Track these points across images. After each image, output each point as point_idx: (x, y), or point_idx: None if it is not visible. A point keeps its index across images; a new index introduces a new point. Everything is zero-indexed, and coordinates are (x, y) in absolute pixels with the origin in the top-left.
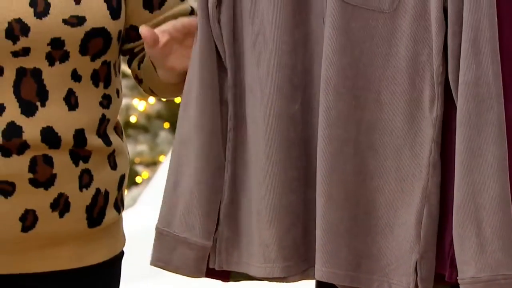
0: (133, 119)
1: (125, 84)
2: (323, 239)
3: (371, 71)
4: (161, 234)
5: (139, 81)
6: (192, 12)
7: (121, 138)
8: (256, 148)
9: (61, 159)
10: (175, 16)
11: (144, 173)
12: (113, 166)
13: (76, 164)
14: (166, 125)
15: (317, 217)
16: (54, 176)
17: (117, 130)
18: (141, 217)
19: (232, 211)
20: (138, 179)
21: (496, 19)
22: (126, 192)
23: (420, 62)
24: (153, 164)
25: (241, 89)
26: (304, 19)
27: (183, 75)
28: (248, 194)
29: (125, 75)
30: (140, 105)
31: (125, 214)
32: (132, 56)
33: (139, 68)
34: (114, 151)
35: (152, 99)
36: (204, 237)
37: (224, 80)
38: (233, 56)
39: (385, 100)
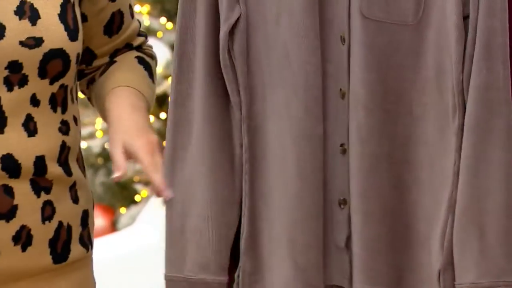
0: None
1: None
2: (362, 256)
3: (400, 84)
4: (172, 281)
5: (86, 95)
6: (140, 26)
7: (83, 173)
8: (284, 173)
9: (22, 189)
10: (129, 37)
11: (143, 191)
12: (75, 200)
13: (38, 195)
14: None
15: (354, 235)
16: (15, 208)
17: (79, 162)
18: (140, 236)
19: (253, 244)
20: (137, 198)
21: (508, 24)
22: (125, 210)
23: (445, 71)
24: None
25: (257, 120)
26: (324, 38)
27: None
28: (273, 223)
29: None
30: None
31: (124, 232)
32: (81, 75)
33: (87, 88)
34: (75, 183)
35: (151, 118)
36: (220, 274)
37: (232, 113)
38: (247, 87)
39: (417, 112)
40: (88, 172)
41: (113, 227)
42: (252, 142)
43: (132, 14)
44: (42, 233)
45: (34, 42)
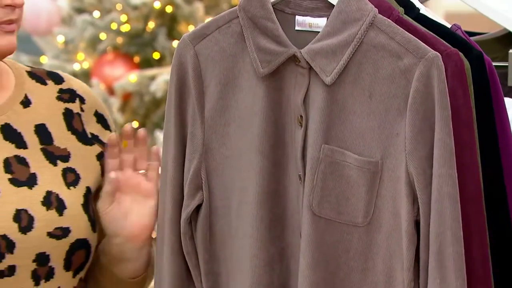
0: None
1: None
2: None
3: (348, 286)
4: None
5: None
6: None
7: None
8: None
9: None
10: None
11: None
12: None
13: None
14: None
15: None
16: None
17: None
18: None
19: None
20: None
21: (462, 232)
22: None
23: (395, 277)
24: None
25: None
26: (280, 234)
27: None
28: None
29: None
30: None
31: None
32: None
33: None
34: None
35: None
36: None
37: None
38: (211, 274)
39: None
40: None
41: None
42: None
43: None
44: None
45: (62, 233)
